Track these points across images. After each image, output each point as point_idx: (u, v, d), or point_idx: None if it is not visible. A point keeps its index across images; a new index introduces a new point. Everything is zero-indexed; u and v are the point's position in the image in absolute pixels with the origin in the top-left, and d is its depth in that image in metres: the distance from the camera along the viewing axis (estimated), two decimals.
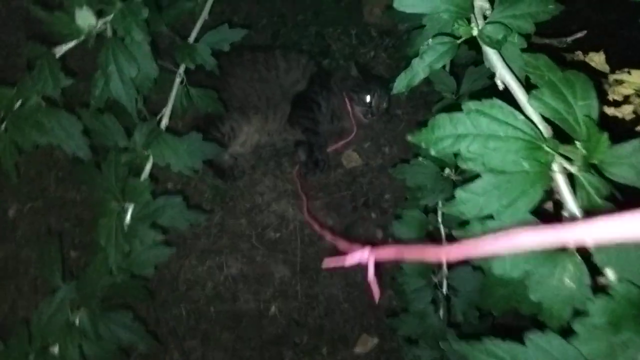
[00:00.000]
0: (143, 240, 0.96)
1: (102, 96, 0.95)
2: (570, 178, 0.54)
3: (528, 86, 0.60)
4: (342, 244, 0.84)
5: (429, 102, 1.66)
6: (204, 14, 1.19)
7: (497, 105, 0.55)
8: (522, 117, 0.54)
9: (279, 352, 1.48)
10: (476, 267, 0.97)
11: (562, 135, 0.55)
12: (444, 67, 1.15)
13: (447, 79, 1.08)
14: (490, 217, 0.55)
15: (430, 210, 1.04)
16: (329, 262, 0.74)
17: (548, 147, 0.53)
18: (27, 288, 1.51)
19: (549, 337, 0.51)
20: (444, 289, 1.02)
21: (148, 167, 1.03)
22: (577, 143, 0.52)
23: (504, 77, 0.62)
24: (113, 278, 0.98)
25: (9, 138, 0.89)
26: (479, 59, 1.13)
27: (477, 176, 0.56)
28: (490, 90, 1.09)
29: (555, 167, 0.54)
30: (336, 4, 1.71)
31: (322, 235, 1.50)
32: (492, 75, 1.09)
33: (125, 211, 0.98)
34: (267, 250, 1.57)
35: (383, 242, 1.55)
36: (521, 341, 0.53)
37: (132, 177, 0.98)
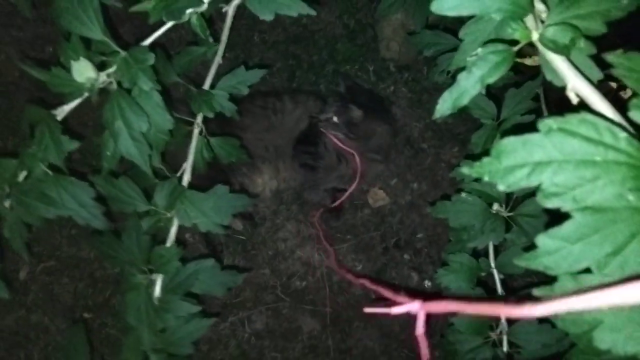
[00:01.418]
0: (177, 314, 0.86)
1: (113, 157, 0.86)
2: None
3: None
4: (379, 291, 0.73)
5: (456, 134, 1.58)
6: (217, 59, 1.12)
7: (587, 121, 0.42)
8: (623, 134, 0.42)
9: None
10: (543, 320, 0.86)
11: None
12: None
13: (485, 102, 0.99)
14: (587, 270, 0.44)
15: (481, 254, 0.94)
16: (371, 310, 0.63)
17: None
18: (38, 357, 1.40)
19: None
20: (505, 347, 0.90)
21: (174, 231, 0.93)
22: None
23: (579, 88, 0.51)
24: None
25: (16, 216, 0.80)
26: (517, 81, 1.05)
27: (563, 217, 0.43)
28: (537, 113, 1.01)
29: None
30: (352, 41, 1.65)
31: (354, 282, 1.40)
32: (536, 97, 1.02)
33: (153, 283, 0.88)
34: (293, 302, 1.46)
35: (431, 293, 1.43)
36: None
37: (157, 244, 0.89)
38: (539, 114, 1.11)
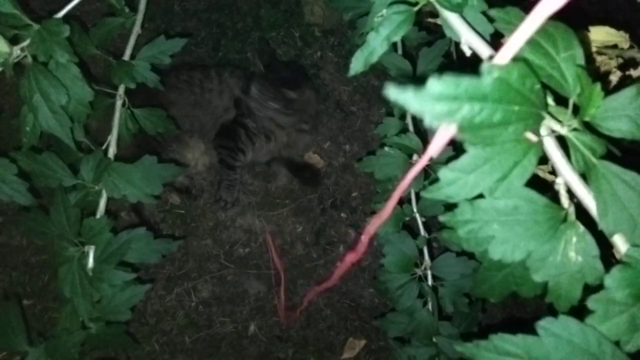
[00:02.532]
0: (112, 282, 0.87)
1: (33, 132, 0.85)
2: (562, 141, 0.49)
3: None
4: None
5: (382, 96, 1.64)
6: (136, 29, 1.11)
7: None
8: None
9: None
10: (460, 252, 0.94)
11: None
12: (396, 50, 1.13)
13: (401, 62, 1.05)
14: (481, 196, 0.50)
15: (404, 201, 1.01)
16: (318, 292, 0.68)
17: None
18: None
19: (563, 322, 0.46)
20: (430, 281, 0.98)
21: (103, 203, 0.94)
22: (571, 99, 0.47)
23: (471, 41, 0.56)
24: (87, 332, 0.88)
25: None
26: (430, 40, 1.12)
27: (457, 154, 0.49)
28: (448, 67, 1.07)
29: (543, 130, 0.48)
30: (275, 7, 1.66)
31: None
32: (447, 54, 1.09)
33: (85, 255, 0.89)
34: (237, 268, 1.50)
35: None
36: (532, 331, 0.48)
37: (86, 216, 0.89)
38: (453, 70, 1.19)
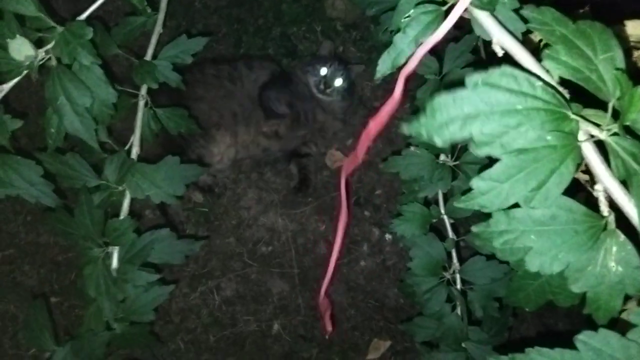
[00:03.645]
0: (136, 283, 0.88)
1: (58, 134, 0.85)
2: (601, 146, 0.47)
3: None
4: None
5: (408, 90, 1.61)
6: (158, 28, 1.10)
7: (508, 74, 0.45)
8: (539, 82, 0.45)
9: None
10: (490, 256, 0.91)
11: (581, 99, 0.48)
12: None
13: (427, 59, 1.01)
14: (516, 205, 0.48)
15: (431, 202, 0.98)
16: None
17: (574, 113, 0.45)
18: (9, 344, 1.40)
19: (603, 336, 0.44)
20: (458, 285, 0.95)
21: (126, 204, 0.94)
22: (610, 103, 0.45)
23: (503, 41, 0.54)
24: (112, 332, 0.89)
25: None
26: (456, 35, 1.08)
27: (491, 162, 0.47)
28: (477, 65, 1.04)
29: (581, 136, 0.46)
30: (297, 1, 1.64)
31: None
32: (475, 50, 1.05)
33: (110, 256, 0.89)
34: (261, 267, 1.49)
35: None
36: (569, 344, 0.45)
37: (110, 217, 0.89)
38: (481, 66, 1.15)
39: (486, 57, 1.12)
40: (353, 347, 1.43)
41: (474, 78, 0.46)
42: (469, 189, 0.48)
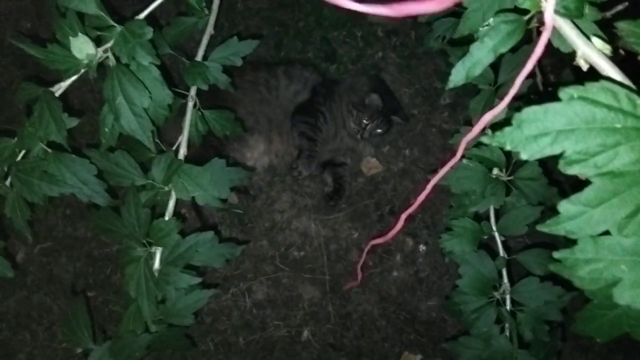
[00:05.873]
0: (177, 285, 0.87)
1: (112, 133, 0.85)
2: None
3: None
4: None
5: (444, 101, 1.59)
6: (209, 29, 1.10)
7: (607, 89, 0.42)
8: None
9: None
10: (544, 277, 0.89)
11: None
12: None
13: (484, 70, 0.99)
14: (606, 232, 0.45)
15: (482, 218, 0.95)
16: None
17: None
18: (44, 336, 1.41)
19: None
20: (508, 306, 0.92)
21: (172, 204, 0.93)
22: None
23: (589, 55, 0.51)
24: (150, 335, 0.88)
25: (17, 194, 0.79)
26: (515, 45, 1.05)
27: (583, 183, 0.44)
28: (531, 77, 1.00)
29: None
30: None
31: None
32: None
33: (152, 256, 0.89)
34: (292, 271, 1.48)
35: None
36: None
37: (155, 217, 0.89)
38: (532, 78, 1.12)
39: (539, 70, 1.09)
40: (382, 359, 1.41)
41: (569, 91, 0.43)
42: (554, 212, 0.45)
